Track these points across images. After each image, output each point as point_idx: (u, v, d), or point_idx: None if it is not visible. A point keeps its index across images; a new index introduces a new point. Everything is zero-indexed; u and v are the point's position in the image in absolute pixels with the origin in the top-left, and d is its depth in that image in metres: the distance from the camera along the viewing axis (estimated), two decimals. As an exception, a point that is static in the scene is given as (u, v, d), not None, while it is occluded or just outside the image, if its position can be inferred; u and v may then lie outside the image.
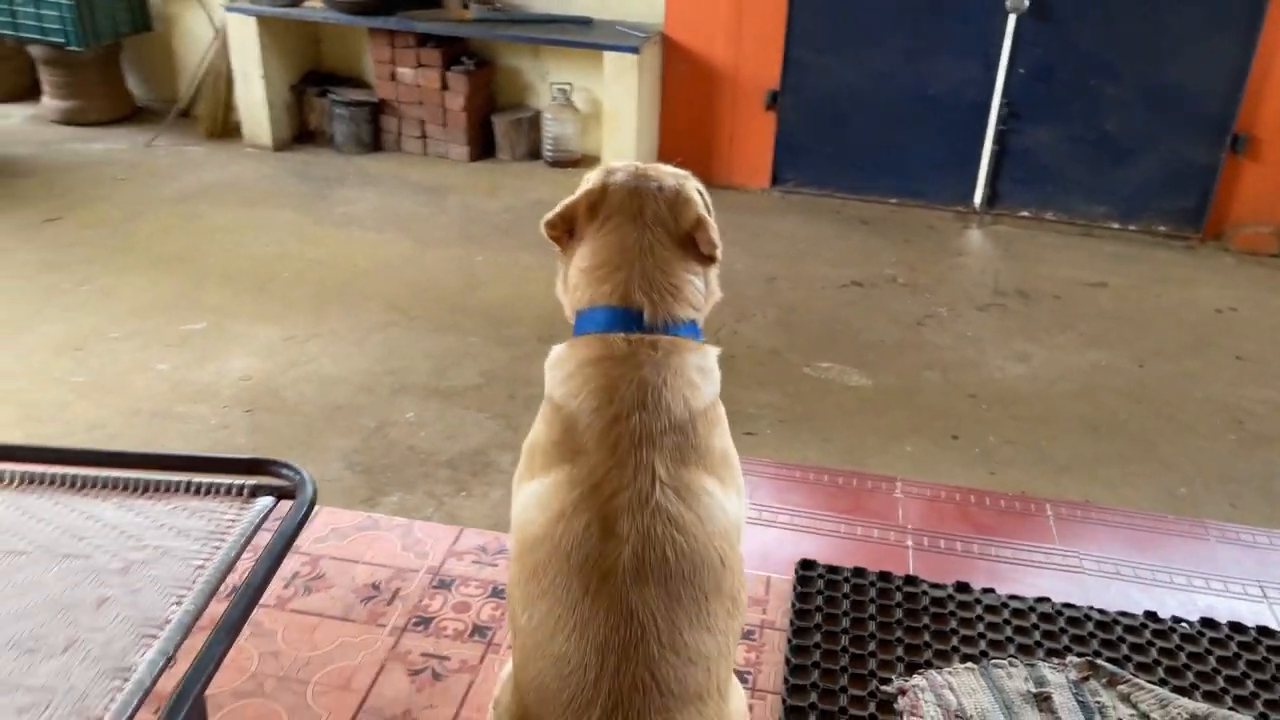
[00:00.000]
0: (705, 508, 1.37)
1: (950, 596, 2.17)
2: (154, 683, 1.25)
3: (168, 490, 1.59)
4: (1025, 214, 4.92)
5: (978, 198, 4.89)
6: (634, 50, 4.68)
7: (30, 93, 5.88)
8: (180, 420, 3.16)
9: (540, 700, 1.32)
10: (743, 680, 1.95)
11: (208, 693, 1.86)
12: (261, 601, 2.07)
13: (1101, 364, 3.74)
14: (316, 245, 4.40)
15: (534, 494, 1.40)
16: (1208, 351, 3.87)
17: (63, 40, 5.36)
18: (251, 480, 1.61)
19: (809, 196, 5.10)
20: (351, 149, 5.40)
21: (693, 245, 1.49)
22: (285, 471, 1.63)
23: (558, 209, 1.52)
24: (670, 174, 1.53)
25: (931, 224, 4.89)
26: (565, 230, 1.53)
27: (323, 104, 5.45)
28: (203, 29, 5.61)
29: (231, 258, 4.27)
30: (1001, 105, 4.70)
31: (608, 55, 4.73)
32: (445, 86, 5.20)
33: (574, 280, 1.50)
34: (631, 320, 1.44)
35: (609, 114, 4.87)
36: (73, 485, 1.59)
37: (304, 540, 2.26)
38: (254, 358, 3.52)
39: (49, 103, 5.72)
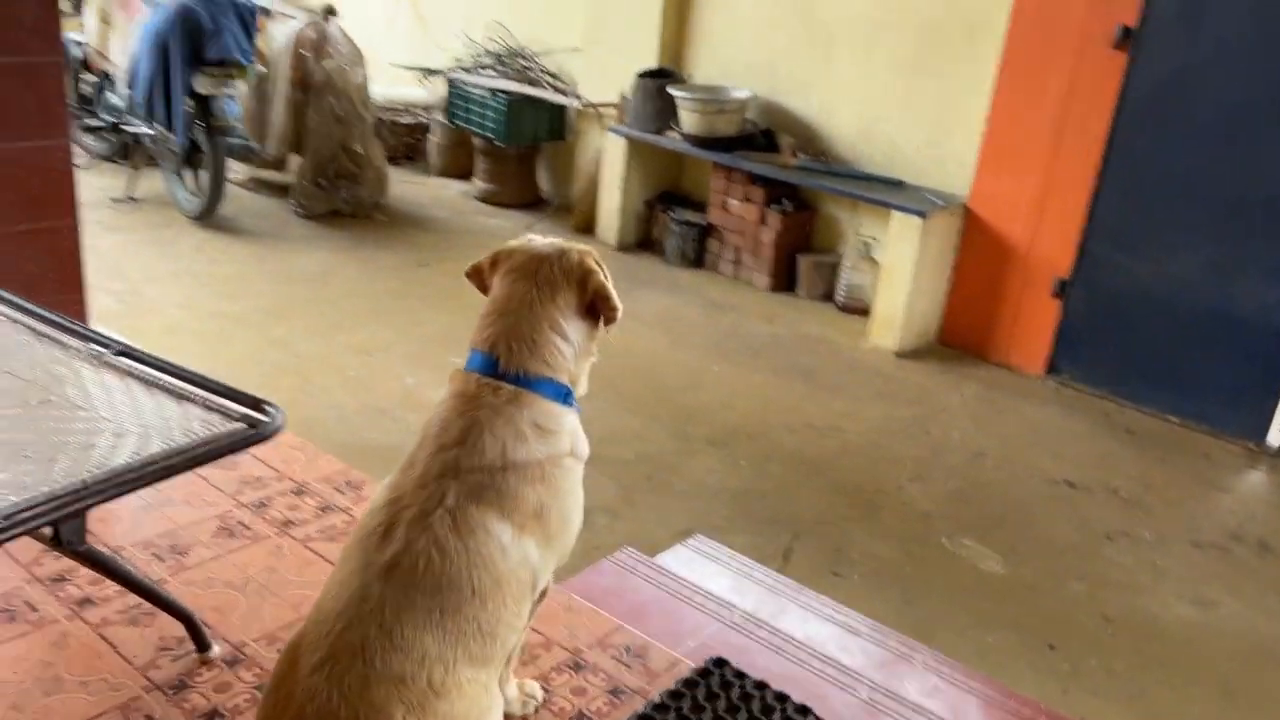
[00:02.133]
0: (478, 542, 1.59)
1: (828, 737, 2.13)
2: (60, 496, 1.80)
3: (191, 399, 2.19)
4: (1330, 469, 4.25)
5: (1272, 436, 4.31)
6: (920, 214, 4.84)
7: (468, 173, 7.33)
8: (392, 419, 3.90)
9: (304, 635, 1.65)
10: (581, 717, 2.11)
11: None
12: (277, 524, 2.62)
13: (1303, 639, 3.19)
14: (591, 326, 5.06)
15: (380, 486, 1.77)
16: None
17: (494, 137, 6.70)
18: (243, 410, 2.16)
19: (1082, 394, 4.82)
20: (676, 261, 6.07)
21: (589, 311, 1.80)
22: (270, 410, 2.16)
23: (477, 261, 1.91)
24: (577, 249, 1.85)
25: (1208, 453, 4.39)
26: (478, 278, 1.92)
27: (665, 219, 6.20)
28: (599, 143, 6.67)
29: (521, 320, 5.05)
30: (1317, 340, 4.17)
31: (895, 215, 4.93)
32: (763, 221, 5.70)
33: (477, 323, 1.87)
34: (490, 365, 1.72)
35: (886, 269, 5.04)
36: (141, 379, 2.25)
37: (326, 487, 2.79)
38: (476, 393, 4.20)
39: (478, 183, 7.10)
